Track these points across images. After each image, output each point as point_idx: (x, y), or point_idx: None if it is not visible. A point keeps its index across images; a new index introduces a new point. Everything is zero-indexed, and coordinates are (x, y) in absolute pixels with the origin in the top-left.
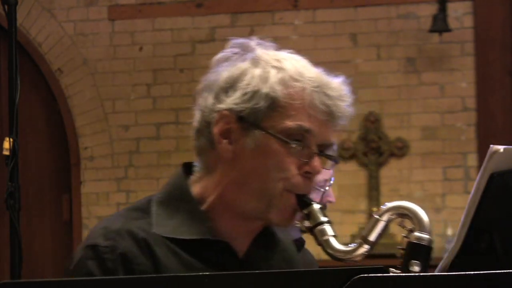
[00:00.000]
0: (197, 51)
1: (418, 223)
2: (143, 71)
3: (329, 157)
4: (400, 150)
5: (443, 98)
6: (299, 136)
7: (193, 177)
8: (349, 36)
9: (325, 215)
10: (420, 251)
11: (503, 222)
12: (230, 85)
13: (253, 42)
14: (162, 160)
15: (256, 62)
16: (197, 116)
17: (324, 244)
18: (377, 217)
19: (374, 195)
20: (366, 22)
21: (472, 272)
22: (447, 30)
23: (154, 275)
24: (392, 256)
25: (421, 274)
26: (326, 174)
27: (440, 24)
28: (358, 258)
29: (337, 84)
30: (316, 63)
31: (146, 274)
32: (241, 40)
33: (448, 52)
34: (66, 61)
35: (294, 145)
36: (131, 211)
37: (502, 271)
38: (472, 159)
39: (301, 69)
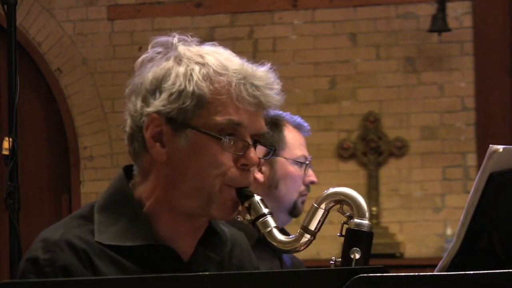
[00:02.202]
0: None
1: (357, 209)
2: None
3: (264, 146)
4: (399, 149)
5: (443, 98)
6: (231, 129)
7: (133, 181)
8: (349, 36)
9: (266, 207)
10: (360, 238)
11: (503, 221)
12: (156, 87)
13: (175, 39)
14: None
15: (179, 60)
16: (128, 121)
17: (267, 236)
18: (316, 205)
19: (373, 194)
20: (366, 22)
21: (471, 272)
22: (447, 30)
23: (154, 275)
24: (392, 256)
25: (421, 274)
26: (303, 150)
27: (439, 24)
28: (301, 248)
29: (263, 73)
30: (315, 63)
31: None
32: (162, 39)
33: (448, 52)
34: (66, 61)
35: (226, 140)
36: (73, 219)
37: (502, 270)
38: (472, 159)
39: (225, 62)
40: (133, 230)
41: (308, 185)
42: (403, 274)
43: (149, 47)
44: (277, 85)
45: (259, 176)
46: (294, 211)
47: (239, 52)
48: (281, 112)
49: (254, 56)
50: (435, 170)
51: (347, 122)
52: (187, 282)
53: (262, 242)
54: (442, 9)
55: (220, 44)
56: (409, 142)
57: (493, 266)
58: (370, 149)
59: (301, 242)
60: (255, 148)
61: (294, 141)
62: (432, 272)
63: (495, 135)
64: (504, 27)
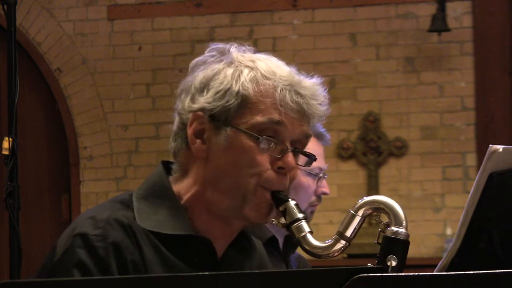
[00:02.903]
0: (196, 51)
1: (394, 218)
2: (142, 70)
3: (303, 154)
4: (399, 149)
5: (442, 97)
6: (271, 131)
7: (171, 177)
8: (348, 36)
9: (301, 212)
10: (396, 246)
11: (502, 221)
12: (204, 85)
13: (231, 46)
14: (161, 159)
15: (230, 63)
16: (175, 120)
17: (301, 241)
18: (353, 212)
19: (373, 194)
20: (365, 22)
21: (471, 272)
22: (446, 29)
23: (154, 275)
24: None
25: (421, 274)
26: (320, 162)
27: (439, 24)
28: (336, 254)
29: (310, 83)
30: (315, 62)
31: (136, 263)
32: (220, 45)
33: (447, 52)
34: (65, 60)
35: (265, 140)
36: (115, 202)
37: (502, 270)
38: (471, 159)
39: (274, 68)
40: (173, 220)
41: (320, 195)
42: (402, 274)
43: (206, 51)
44: (323, 98)
45: None
46: None
47: None
48: None
49: None
50: (435, 170)
51: (347, 122)
52: (187, 282)
53: (269, 245)
54: (442, 9)
55: None
56: (409, 142)
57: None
58: (370, 149)
59: (335, 248)
60: (294, 154)
61: (312, 151)
62: (432, 272)
63: (495, 135)
64: (504, 27)
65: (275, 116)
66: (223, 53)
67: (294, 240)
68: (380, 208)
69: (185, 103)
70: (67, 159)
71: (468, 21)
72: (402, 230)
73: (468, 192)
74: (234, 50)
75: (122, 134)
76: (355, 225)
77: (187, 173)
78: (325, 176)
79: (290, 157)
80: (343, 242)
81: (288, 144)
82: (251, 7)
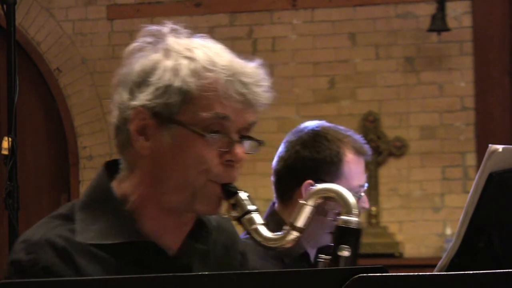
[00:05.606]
0: None
1: (345, 206)
2: None
3: (251, 139)
4: (399, 149)
5: (442, 97)
6: (217, 125)
7: (118, 176)
8: (348, 36)
9: (252, 204)
10: (348, 235)
11: (502, 221)
12: (142, 80)
13: (165, 28)
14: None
15: (167, 53)
16: (114, 113)
17: (252, 233)
18: (303, 202)
19: (373, 194)
20: (365, 22)
21: (471, 272)
22: (446, 29)
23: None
24: (391, 255)
25: (421, 274)
26: (360, 179)
27: (438, 24)
28: (288, 245)
29: (252, 69)
30: (314, 62)
31: None
32: (153, 28)
33: (447, 52)
34: (65, 60)
35: (211, 136)
36: (53, 218)
37: (501, 270)
38: (471, 159)
39: (214, 58)
40: (115, 227)
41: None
42: (402, 274)
43: (140, 35)
44: (266, 82)
45: None
46: None
47: (238, 52)
48: (343, 129)
49: (254, 56)
50: (435, 170)
51: (346, 122)
52: (187, 282)
53: (302, 260)
54: (441, 8)
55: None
56: (409, 142)
57: (492, 266)
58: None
59: (287, 239)
60: (242, 143)
61: (352, 171)
62: (432, 272)
63: (495, 135)
64: (504, 27)
65: (220, 111)
66: (158, 37)
67: (245, 232)
68: (330, 197)
69: (123, 97)
70: (66, 159)
71: (468, 21)
72: (353, 218)
73: (468, 192)
74: (169, 36)
75: None
76: (306, 214)
77: (133, 171)
78: (364, 189)
79: (238, 148)
80: (295, 233)
81: (235, 136)
82: (250, 7)
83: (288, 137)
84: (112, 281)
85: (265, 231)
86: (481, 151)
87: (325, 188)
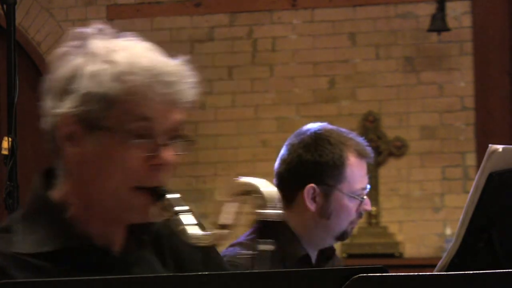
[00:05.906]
0: (196, 51)
1: (264, 199)
2: None
3: (181, 139)
4: (399, 149)
5: (442, 97)
6: (142, 129)
7: (56, 182)
8: (348, 36)
9: (182, 204)
10: (268, 228)
11: (502, 221)
12: (64, 87)
13: (90, 30)
14: None
15: (88, 57)
16: (44, 119)
17: (180, 234)
18: (222, 199)
19: (373, 194)
20: (365, 22)
21: (471, 272)
22: (446, 29)
23: (154, 275)
24: (391, 255)
25: (421, 274)
26: (363, 182)
27: (438, 24)
28: (216, 242)
29: (175, 68)
30: (314, 62)
31: None
32: (79, 30)
33: (447, 52)
34: None
35: (135, 142)
36: None
37: (501, 270)
38: (471, 159)
39: (135, 60)
40: (52, 234)
41: (361, 212)
42: (402, 274)
43: (67, 39)
44: (191, 79)
45: (312, 207)
46: (341, 237)
47: (238, 52)
48: (346, 131)
49: (254, 56)
50: (435, 169)
51: (346, 122)
52: (187, 282)
53: (303, 262)
54: (441, 8)
55: (220, 44)
56: (409, 142)
57: (492, 266)
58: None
59: (215, 237)
60: (171, 146)
61: (355, 174)
62: (432, 272)
63: (495, 135)
64: (504, 27)
65: (143, 114)
66: (82, 39)
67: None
68: (249, 191)
69: (49, 104)
70: None
71: (468, 21)
72: (271, 211)
73: (468, 192)
74: (93, 38)
75: None
76: (227, 211)
77: (67, 178)
78: (366, 193)
79: (165, 151)
80: (219, 231)
81: (161, 139)
82: (250, 7)
83: (290, 139)
84: (111, 281)
85: (193, 231)
86: (481, 151)
87: (242, 182)
